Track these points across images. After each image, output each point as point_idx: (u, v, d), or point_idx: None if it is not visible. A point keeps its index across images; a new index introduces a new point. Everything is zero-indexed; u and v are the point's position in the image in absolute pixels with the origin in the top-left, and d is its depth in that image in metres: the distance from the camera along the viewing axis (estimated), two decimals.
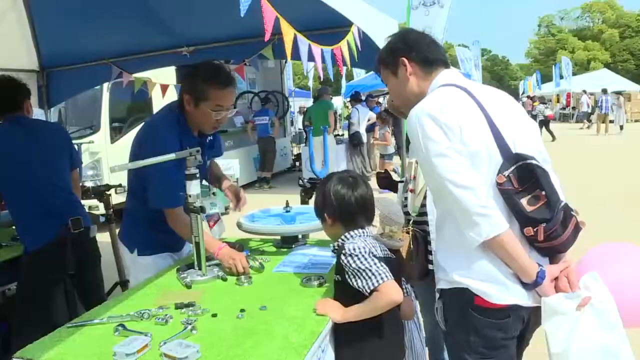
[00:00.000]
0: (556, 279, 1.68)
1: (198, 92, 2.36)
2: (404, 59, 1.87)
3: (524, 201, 1.62)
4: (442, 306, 1.83)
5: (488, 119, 1.68)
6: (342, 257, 1.78)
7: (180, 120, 2.43)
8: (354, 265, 1.75)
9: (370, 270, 1.72)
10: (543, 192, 1.62)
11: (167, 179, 2.28)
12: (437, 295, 1.85)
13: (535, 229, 1.62)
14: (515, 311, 1.68)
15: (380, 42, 3.67)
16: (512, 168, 1.63)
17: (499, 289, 1.66)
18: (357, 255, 1.75)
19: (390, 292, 1.72)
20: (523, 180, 1.62)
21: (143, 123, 2.61)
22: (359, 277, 1.74)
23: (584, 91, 27.61)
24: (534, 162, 1.65)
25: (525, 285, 1.66)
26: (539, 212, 1.61)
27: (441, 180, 1.63)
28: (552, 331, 1.62)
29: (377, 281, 1.71)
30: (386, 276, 1.72)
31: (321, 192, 1.98)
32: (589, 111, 26.31)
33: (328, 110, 10.94)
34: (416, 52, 1.87)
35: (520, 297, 1.67)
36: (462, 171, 1.61)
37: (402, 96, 1.96)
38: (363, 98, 14.66)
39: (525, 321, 1.74)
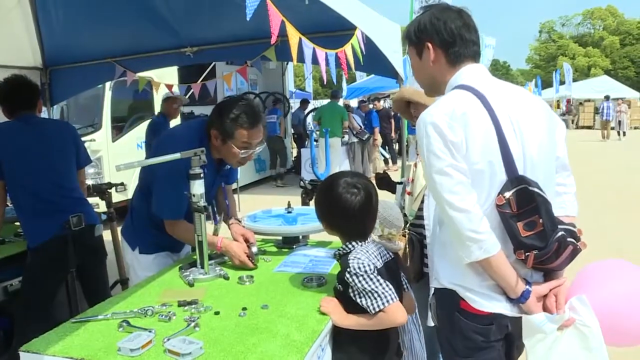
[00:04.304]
0: (546, 296, 1.68)
1: (226, 131, 2.32)
2: (429, 43, 1.75)
3: (520, 225, 1.59)
4: (435, 303, 1.86)
5: (499, 133, 1.61)
6: (347, 275, 1.77)
7: (203, 142, 2.37)
8: (359, 285, 1.75)
9: (376, 292, 1.73)
10: (541, 220, 1.58)
11: (175, 191, 2.27)
12: (432, 291, 1.87)
13: (526, 254, 1.59)
14: (499, 319, 1.70)
15: (383, 46, 3.73)
16: (513, 191, 1.59)
17: (484, 298, 1.68)
18: (362, 275, 1.75)
19: (395, 314, 1.75)
20: (521, 204, 1.58)
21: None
22: (365, 297, 1.75)
23: None
24: (535, 189, 1.59)
25: (510, 298, 1.68)
26: (533, 239, 1.59)
27: (439, 197, 1.63)
28: (531, 346, 1.64)
29: (384, 303, 1.73)
30: (392, 298, 1.74)
31: (324, 196, 1.93)
32: None
33: (343, 114, 11.09)
34: (443, 38, 1.73)
35: (504, 308, 1.68)
36: (460, 192, 1.58)
37: (423, 78, 1.87)
38: (356, 105, 14.83)
39: (511, 327, 1.74)
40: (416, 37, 1.80)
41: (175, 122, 6.77)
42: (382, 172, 3.25)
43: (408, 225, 2.51)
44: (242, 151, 2.35)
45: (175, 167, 2.19)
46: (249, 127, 2.31)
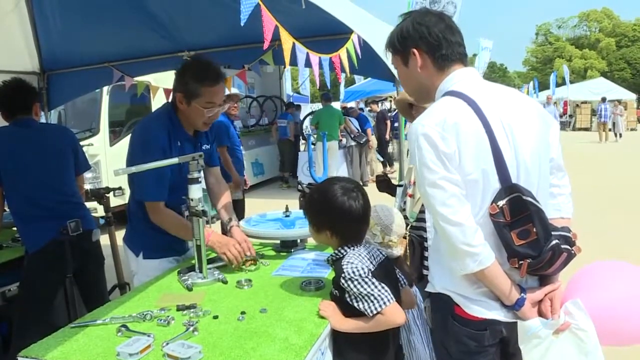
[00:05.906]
0: (541, 300, 1.68)
1: (189, 91, 2.39)
2: (415, 50, 1.72)
3: (513, 234, 1.58)
4: (430, 307, 1.87)
5: (492, 141, 1.59)
6: (342, 280, 1.77)
7: (172, 117, 2.48)
8: (355, 290, 1.75)
9: (372, 295, 1.73)
10: (534, 229, 1.57)
11: (153, 171, 2.24)
12: (427, 294, 1.88)
13: (519, 262, 1.58)
14: (493, 325, 1.70)
15: (380, 49, 3.73)
16: (506, 199, 1.57)
17: (478, 304, 1.68)
18: (357, 280, 1.75)
19: (393, 315, 1.76)
20: (515, 213, 1.57)
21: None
22: (362, 301, 1.75)
23: None
24: (528, 198, 1.58)
25: (504, 305, 1.67)
26: (527, 248, 1.57)
27: (432, 209, 1.62)
28: (527, 351, 1.64)
29: (380, 306, 1.73)
30: (389, 300, 1.75)
31: (324, 203, 1.90)
32: None
33: (341, 117, 11.18)
34: (429, 43, 1.70)
35: (499, 314, 1.68)
36: (453, 205, 1.56)
37: (412, 86, 1.85)
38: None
39: (505, 332, 1.73)
40: (400, 45, 1.77)
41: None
42: (382, 174, 3.25)
43: (409, 227, 2.51)
44: (207, 110, 2.41)
45: (149, 145, 2.31)
46: (212, 84, 2.38)
